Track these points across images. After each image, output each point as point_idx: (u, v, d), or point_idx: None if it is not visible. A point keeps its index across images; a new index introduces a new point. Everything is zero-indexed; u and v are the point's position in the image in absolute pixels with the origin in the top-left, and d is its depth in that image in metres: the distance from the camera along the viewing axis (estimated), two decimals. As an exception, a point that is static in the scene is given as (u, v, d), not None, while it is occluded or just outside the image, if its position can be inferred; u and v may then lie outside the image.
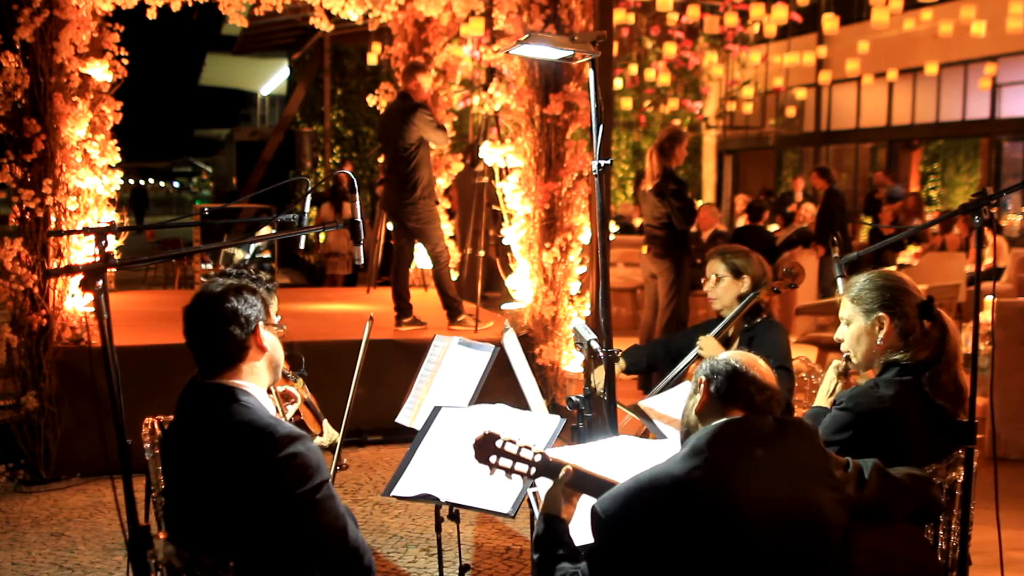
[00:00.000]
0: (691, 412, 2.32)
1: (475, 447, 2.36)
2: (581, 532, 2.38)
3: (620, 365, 4.12)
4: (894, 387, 2.70)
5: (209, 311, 2.45)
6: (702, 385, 2.31)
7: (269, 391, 2.66)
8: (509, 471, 2.36)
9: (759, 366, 2.31)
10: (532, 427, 2.95)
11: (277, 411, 2.97)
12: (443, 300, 6.92)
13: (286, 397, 3.23)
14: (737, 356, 2.33)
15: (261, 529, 2.29)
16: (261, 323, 2.49)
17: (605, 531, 2.16)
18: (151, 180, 72.19)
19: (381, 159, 9.88)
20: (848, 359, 2.89)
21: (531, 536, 3.73)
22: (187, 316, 2.49)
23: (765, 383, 2.27)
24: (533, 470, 2.37)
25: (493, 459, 2.36)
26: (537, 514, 2.45)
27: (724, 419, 2.21)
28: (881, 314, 2.77)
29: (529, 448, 2.37)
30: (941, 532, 2.69)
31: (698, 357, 3.86)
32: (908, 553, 2.44)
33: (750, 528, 2.09)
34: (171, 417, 3.24)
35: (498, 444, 2.35)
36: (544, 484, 2.46)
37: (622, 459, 2.62)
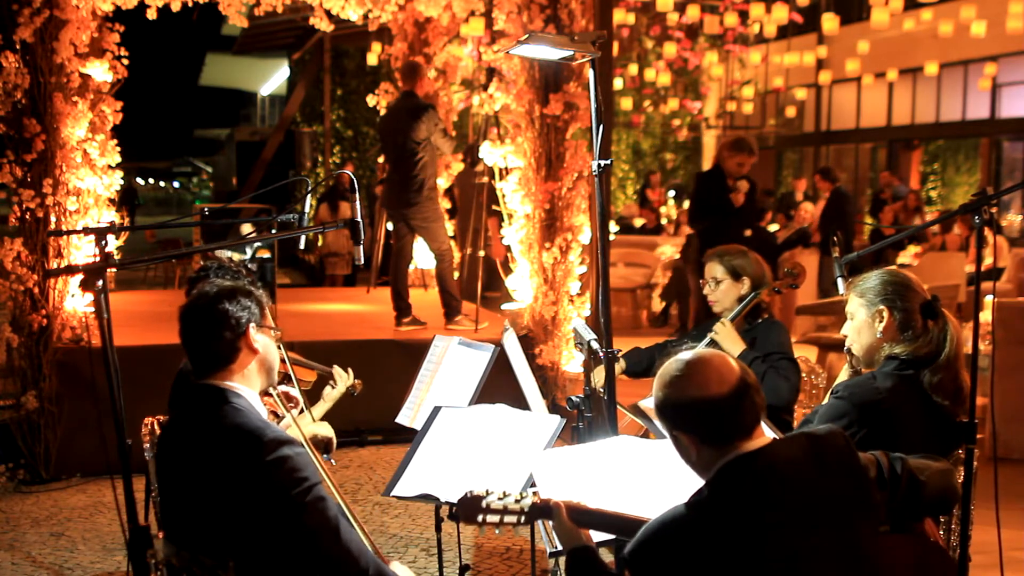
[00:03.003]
0: (696, 465, 2.12)
1: (460, 510, 2.32)
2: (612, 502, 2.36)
3: (620, 366, 4.06)
4: (892, 380, 2.72)
5: (200, 313, 2.45)
6: (684, 441, 2.10)
7: (269, 392, 2.65)
8: (498, 525, 2.33)
9: (710, 367, 2.07)
10: (532, 427, 2.96)
11: (275, 413, 2.95)
12: (443, 298, 6.92)
13: (288, 399, 3.21)
14: (680, 378, 2.08)
15: (255, 530, 2.29)
16: (253, 326, 2.48)
17: (635, 571, 2.04)
18: (151, 180, 72.18)
19: (381, 159, 9.86)
20: (851, 353, 2.91)
21: (531, 536, 3.73)
22: (181, 317, 2.50)
23: (729, 391, 2.03)
24: (523, 519, 2.33)
25: (480, 518, 2.32)
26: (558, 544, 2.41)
27: (741, 454, 2.03)
28: (881, 307, 2.80)
29: (518, 501, 2.32)
30: (941, 532, 2.69)
31: (712, 344, 3.82)
32: (924, 560, 2.44)
33: (779, 566, 1.96)
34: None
35: (483, 504, 2.31)
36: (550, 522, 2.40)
37: (619, 461, 2.62)
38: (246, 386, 2.47)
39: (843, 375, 3.05)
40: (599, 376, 3.92)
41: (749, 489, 1.99)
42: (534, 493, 2.40)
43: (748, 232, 7.33)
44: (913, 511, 2.40)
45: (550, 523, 2.41)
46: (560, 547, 2.38)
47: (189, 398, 2.49)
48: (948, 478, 2.48)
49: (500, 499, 2.33)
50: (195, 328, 2.46)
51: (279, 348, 2.61)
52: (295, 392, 3.33)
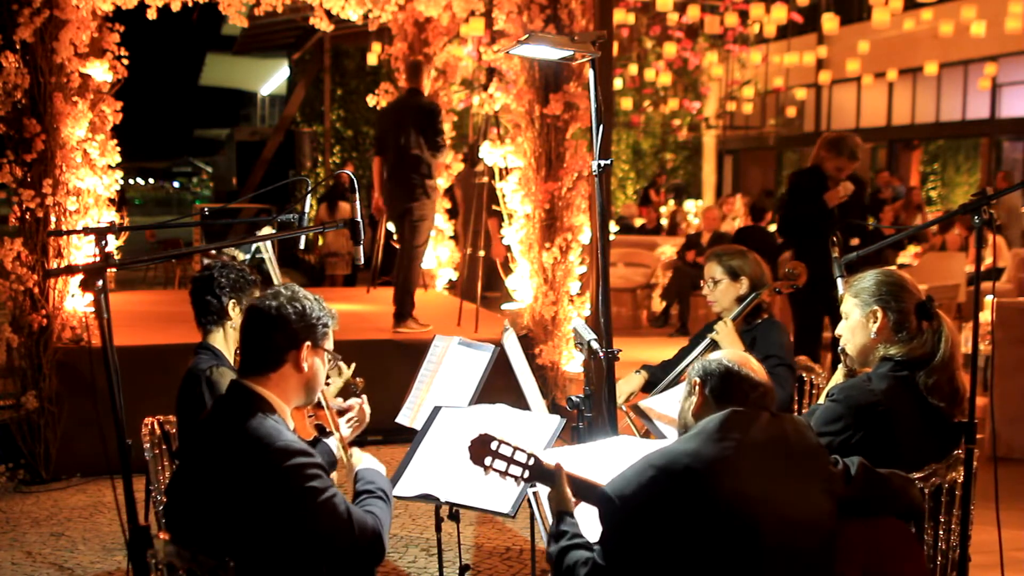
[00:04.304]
0: (687, 414, 2.38)
1: (470, 448, 2.37)
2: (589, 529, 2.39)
3: (643, 376, 4.02)
4: (887, 381, 2.72)
5: (261, 312, 2.44)
6: (696, 387, 2.37)
7: (320, 406, 2.63)
8: (503, 473, 2.37)
9: (751, 364, 2.37)
10: (532, 427, 2.95)
11: (322, 427, 2.92)
12: (396, 295, 6.86)
13: (342, 414, 3.15)
14: (729, 356, 2.39)
15: (260, 534, 2.28)
16: (308, 344, 2.46)
17: (618, 513, 2.18)
18: (151, 180, 72.24)
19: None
20: (845, 353, 2.91)
21: (531, 536, 3.73)
22: (247, 307, 2.52)
23: (758, 380, 2.34)
24: (526, 473, 2.37)
25: (488, 461, 2.36)
26: (547, 515, 2.46)
27: (729, 409, 2.26)
28: (876, 307, 2.80)
29: (523, 451, 2.37)
30: (941, 532, 2.69)
31: (712, 344, 3.82)
32: (894, 545, 2.44)
33: (749, 512, 2.14)
34: (171, 417, 3.27)
35: (493, 446, 2.36)
36: (543, 488, 2.46)
37: (619, 460, 2.62)
38: (279, 398, 2.45)
39: (838, 375, 3.05)
40: (626, 386, 3.91)
41: (727, 426, 2.23)
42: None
43: (856, 240, 6.31)
44: (870, 500, 2.40)
45: (545, 509, 2.44)
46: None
47: (226, 393, 2.50)
48: (900, 480, 2.48)
49: (509, 446, 2.37)
50: (252, 324, 2.46)
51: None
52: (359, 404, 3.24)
